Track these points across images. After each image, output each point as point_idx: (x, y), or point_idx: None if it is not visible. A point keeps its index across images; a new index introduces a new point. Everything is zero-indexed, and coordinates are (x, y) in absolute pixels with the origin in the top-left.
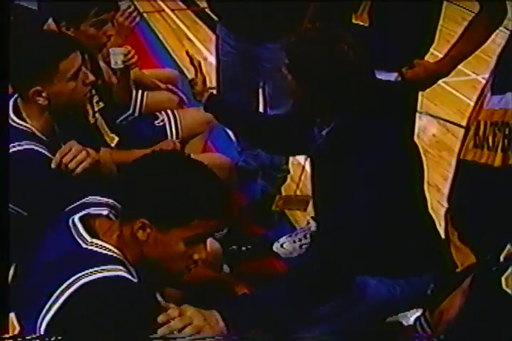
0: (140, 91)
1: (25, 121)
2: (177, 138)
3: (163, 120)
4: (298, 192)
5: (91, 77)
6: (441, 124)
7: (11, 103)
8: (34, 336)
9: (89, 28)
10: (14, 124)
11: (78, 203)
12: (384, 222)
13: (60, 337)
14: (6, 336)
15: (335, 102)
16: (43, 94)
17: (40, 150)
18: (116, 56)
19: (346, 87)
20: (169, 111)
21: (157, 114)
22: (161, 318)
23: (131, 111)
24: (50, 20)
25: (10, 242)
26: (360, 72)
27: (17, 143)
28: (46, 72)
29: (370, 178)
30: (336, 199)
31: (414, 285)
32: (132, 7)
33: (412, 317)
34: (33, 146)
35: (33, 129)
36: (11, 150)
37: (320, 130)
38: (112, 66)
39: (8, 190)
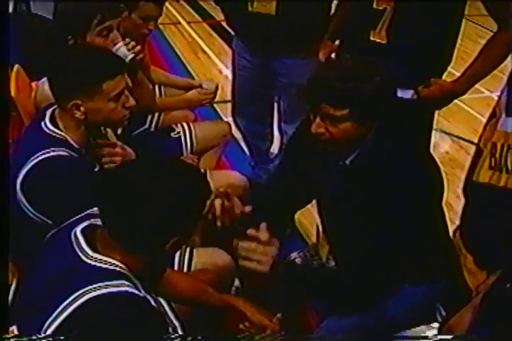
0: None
1: (60, 130)
2: (191, 150)
3: (179, 132)
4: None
5: (131, 102)
6: (454, 141)
7: (48, 111)
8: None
9: (96, 38)
10: (48, 132)
11: (83, 214)
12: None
13: None
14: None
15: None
16: (81, 109)
17: (74, 155)
18: (121, 50)
19: (377, 115)
20: (185, 124)
21: (173, 126)
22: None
23: (147, 125)
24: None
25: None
26: (387, 100)
27: (51, 148)
28: (89, 88)
29: (393, 203)
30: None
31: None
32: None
33: (429, 331)
34: (66, 153)
35: (68, 138)
36: (43, 156)
37: (340, 161)
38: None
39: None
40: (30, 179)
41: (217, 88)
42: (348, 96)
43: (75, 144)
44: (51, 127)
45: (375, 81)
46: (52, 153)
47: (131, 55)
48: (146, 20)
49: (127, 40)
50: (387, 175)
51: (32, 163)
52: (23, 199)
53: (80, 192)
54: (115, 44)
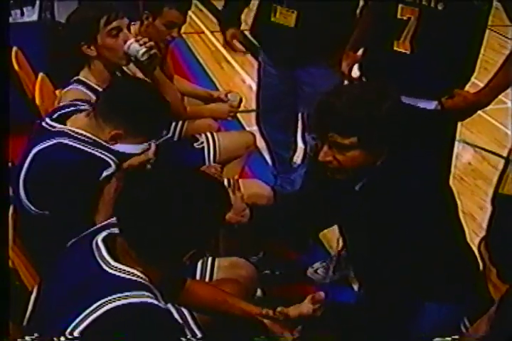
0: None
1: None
2: (214, 161)
3: (202, 142)
4: None
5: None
6: (477, 152)
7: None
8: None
9: (106, 39)
10: (47, 127)
11: (104, 223)
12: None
13: None
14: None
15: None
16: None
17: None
18: (133, 46)
19: (386, 142)
20: (209, 134)
21: (197, 136)
22: None
23: (170, 134)
24: None
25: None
26: (396, 125)
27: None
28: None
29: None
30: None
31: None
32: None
33: None
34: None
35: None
36: (41, 147)
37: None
38: (139, 58)
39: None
40: (29, 171)
41: (241, 100)
42: (356, 124)
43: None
44: (50, 122)
45: (384, 107)
46: (50, 143)
47: (143, 49)
48: (169, 27)
49: (139, 37)
50: (398, 197)
51: (31, 155)
52: (22, 192)
53: (76, 184)
54: (125, 42)
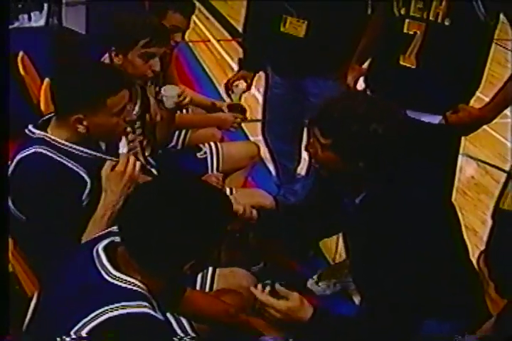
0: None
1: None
2: (217, 170)
3: (205, 152)
4: None
5: (132, 116)
6: (480, 166)
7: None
8: None
9: (136, 59)
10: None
11: (105, 232)
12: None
13: None
14: None
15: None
16: (84, 123)
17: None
18: (169, 97)
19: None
20: (213, 144)
21: (200, 145)
22: None
23: (174, 143)
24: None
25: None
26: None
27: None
28: (93, 104)
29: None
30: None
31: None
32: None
33: None
34: (43, 150)
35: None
36: (22, 155)
37: (352, 199)
38: (166, 106)
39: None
40: (13, 177)
41: (245, 111)
42: (334, 129)
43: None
44: (33, 129)
45: (371, 127)
46: (28, 151)
47: (172, 105)
48: (172, 31)
49: (181, 87)
50: (399, 211)
51: (14, 163)
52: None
53: (52, 189)
54: (154, 72)
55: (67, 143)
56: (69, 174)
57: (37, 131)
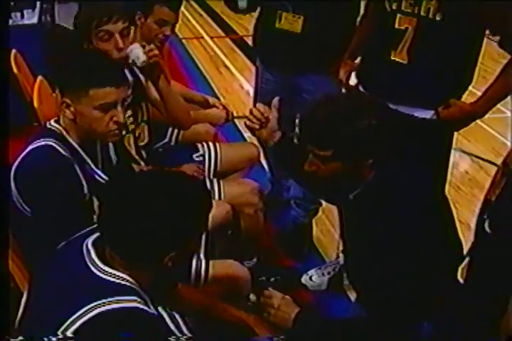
0: None
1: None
2: (215, 172)
3: (202, 154)
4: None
5: (120, 118)
6: (474, 161)
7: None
8: None
9: (99, 42)
10: (48, 126)
11: (94, 226)
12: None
13: None
14: None
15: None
16: (71, 109)
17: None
18: (137, 56)
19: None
20: (211, 145)
21: (198, 145)
22: None
23: (167, 139)
24: None
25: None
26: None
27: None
28: (75, 90)
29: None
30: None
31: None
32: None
33: None
34: (53, 143)
35: (63, 132)
36: (33, 146)
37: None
38: (139, 65)
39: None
40: (19, 169)
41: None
42: (330, 138)
43: (70, 139)
44: (52, 122)
45: (363, 124)
46: (41, 143)
47: (143, 58)
48: (160, 25)
49: (144, 43)
50: (393, 206)
51: (23, 154)
52: (14, 190)
53: (57, 182)
54: (117, 47)
55: (74, 144)
56: (74, 170)
57: (54, 124)
